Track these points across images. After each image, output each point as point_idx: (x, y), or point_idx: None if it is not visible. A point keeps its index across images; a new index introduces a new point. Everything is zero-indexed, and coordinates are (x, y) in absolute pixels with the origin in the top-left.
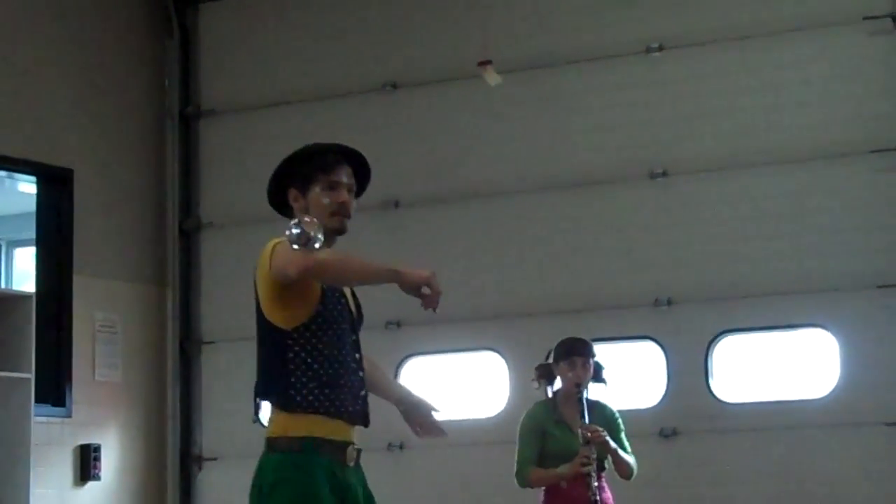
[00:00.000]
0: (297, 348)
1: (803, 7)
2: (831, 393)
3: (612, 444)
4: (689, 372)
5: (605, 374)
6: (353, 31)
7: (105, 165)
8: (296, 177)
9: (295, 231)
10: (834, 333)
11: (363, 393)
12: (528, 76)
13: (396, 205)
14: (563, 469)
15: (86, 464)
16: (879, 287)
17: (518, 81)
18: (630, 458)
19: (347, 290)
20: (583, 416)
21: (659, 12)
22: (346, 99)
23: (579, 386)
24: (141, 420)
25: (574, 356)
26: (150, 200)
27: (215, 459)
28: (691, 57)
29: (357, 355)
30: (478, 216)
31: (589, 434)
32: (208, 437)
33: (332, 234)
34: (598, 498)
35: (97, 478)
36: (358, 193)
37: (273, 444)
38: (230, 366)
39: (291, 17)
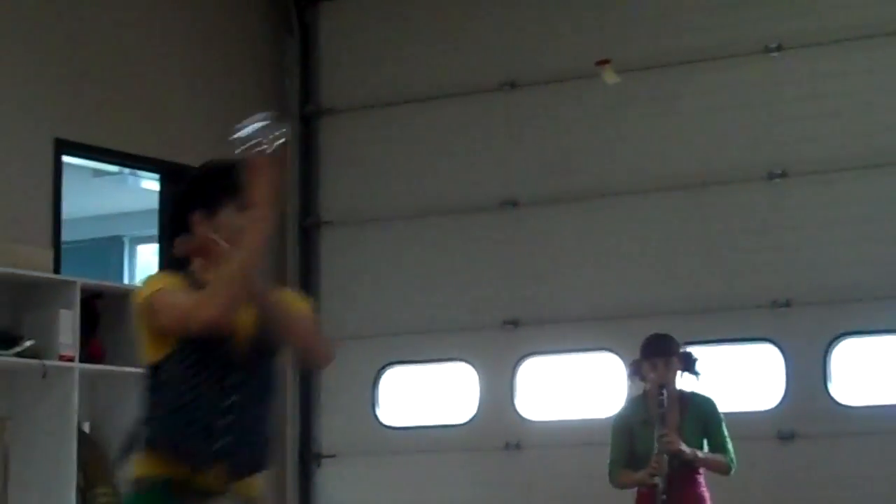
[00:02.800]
0: (159, 382)
1: None
2: None
3: (688, 451)
4: (807, 374)
5: (697, 367)
6: (472, 29)
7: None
8: (199, 202)
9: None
10: None
11: (228, 439)
12: (646, 76)
13: (514, 204)
14: (640, 475)
15: None
16: None
17: (636, 81)
18: (720, 456)
19: (244, 325)
20: (662, 422)
21: (778, 12)
22: (465, 98)
23: (662, 388)
24: None
25: (654, 357)
26: None
27: (334, 457)
28: (810, 57)
29: (232, 397)
30: (595, 216)
31: (661, 442)
32: (329, 436)
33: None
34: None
35: None
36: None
37: (130, 487)
38: (354, 364)
39: (410, 15)
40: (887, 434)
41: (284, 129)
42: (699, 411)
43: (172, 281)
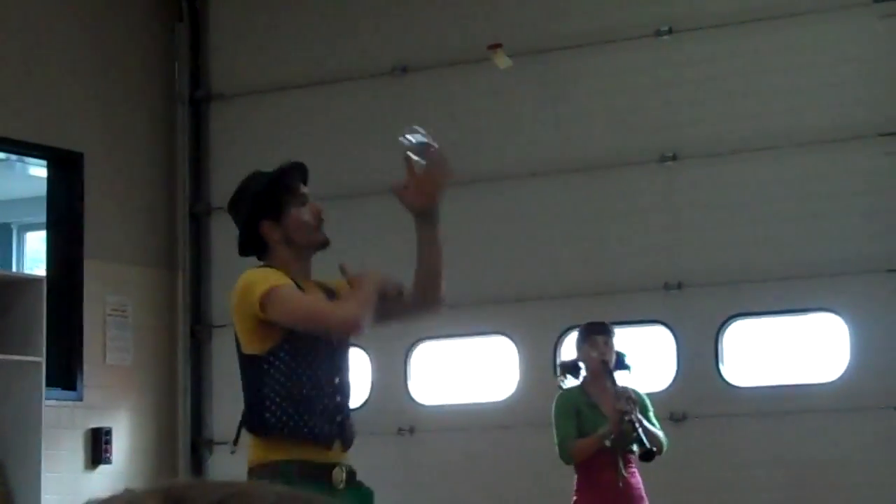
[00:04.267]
0: (271, 371)
1: None
2: (841, 377)
3: (640, 416)
4: (699, 356)
5: (627, 361)
6: (363, 14)
7: (115, 149)
8: (263, 209)
9: (416, 139)
10: (843, 317)
11: (339, 418)
12: (538, 59)
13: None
14: (603, 429)
15: (97, 447)
16: (889, 271)
17: (527, 65)
18: (659, 432)
19: None
20: (614, 383)
21: None
22: (356, 83)
23: (605, 362)
24: (152, 404)
25: (595, 335)
26: (160, 184)
27: (226, 443)
28: (700, 40)
29: (336, 379)
30: (487, 200)
31: (621, 397)
32: (219, 421)
33: (318, 249)
34: (625, 476)
35: (108, 461)
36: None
37: (252, 474)
38: None
39: (301, 0)
40: (777, 414)
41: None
42: None
43: (279, 275)
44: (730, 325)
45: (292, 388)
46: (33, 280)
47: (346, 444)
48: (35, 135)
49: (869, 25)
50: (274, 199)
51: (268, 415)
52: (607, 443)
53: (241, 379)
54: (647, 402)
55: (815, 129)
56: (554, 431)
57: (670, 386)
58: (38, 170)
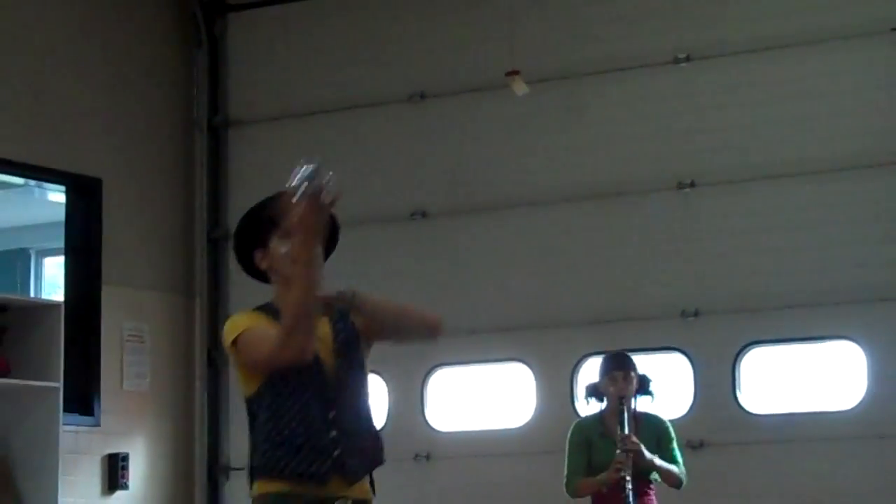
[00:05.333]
0: (259, 413)
1: (831, 18)
2: (858, 405)
3: (648, 454)
4: (716, 383)
5: (651, 387)
6: (382, 41)
7: (133, 175)
8: (254, 240)
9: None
10: (861, 345)
11: (337, 453)
12: (556, 86)
13: (424, 215)
14: (602, 476)
15: (114, 473)
16: None
17: (546, 91)
18: (674, 468)
19: (324, 340)
20: (622, 427)
21: (687, 23)
22: (374, 109)
23: (622, 399)
24: (169, 430)
25: (614, 371)
26: (178, 210)
27: (243, 469)
28: (719, 67)
29: (331, 414)
30: (504, 227)
31: (624, 443)
32: (236, 447)
33: None
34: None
35: (125, 487)
36: (331, 241)
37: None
38: None
39: (319, 27)
40: (795, 442)
41: (326, 175)
42: (652, 429)
43: (253, 318)
44: (747, 352)
45: (273, 429)
46: (51, 305)
47: (351, 477)
48: (54, 161)
49: (886, 53)
50: (256, 231)
51: (256, 459)
52: (604, 489)
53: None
54: (671, 430)
55: (832, 157)
56: (565, 463)
57: (687, 413)
58: (57, 195)
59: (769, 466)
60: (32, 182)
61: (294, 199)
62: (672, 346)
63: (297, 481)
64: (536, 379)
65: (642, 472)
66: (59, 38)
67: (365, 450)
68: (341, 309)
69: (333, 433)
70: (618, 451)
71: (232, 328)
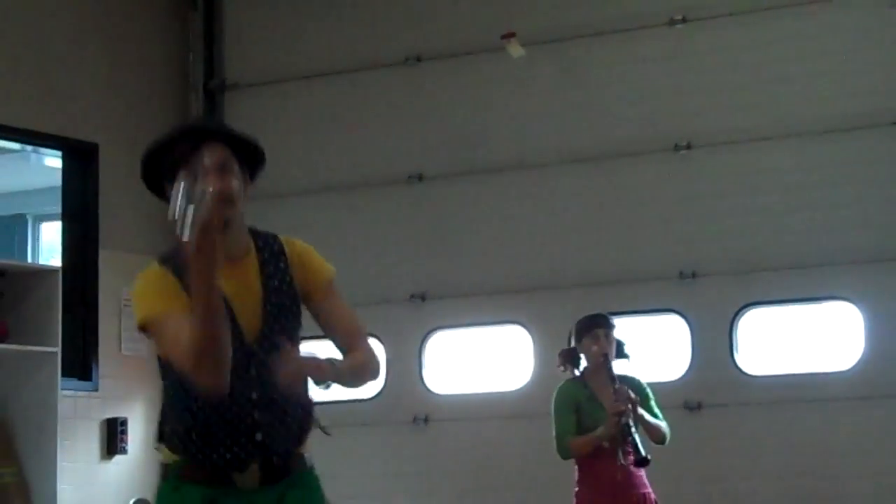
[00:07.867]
0: (168, 378)
1: None
2: (855, 365)
3: (640, 410)
4: (713, 345)
5: (626, 350)
6: (378, 4)
7: (130, 139)
8: (164, 172)
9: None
10: (858, 306)
11: (260, 436)
12: (552, 49)
13: (420, 178)
14: (601, 430)
15: (112, 437)
16: None
17: (541, 54)
18: (661, 423)
19: (247, 310)
20: (613, 381)
21: None
22: (370, 72)
23: (606, 356)
24: None
25: (595, 329)
26: None
27: None
28: (715, 29)
29: (254, 394)
30: (501, 190)
31: (621, 394)
32: None
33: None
34: (624, 463)
35: (124, 451)
36: (252, 172)
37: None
38: None
39: None
40: (791, 403)
41: (200, 193)
42: (631, 389)
43: (161, 290)
44: (744, 313)
45: (179, 401)
46: (48, 271)
47: (270, 468)
48: (50, 126)
49: (884, 13)
50: (168, 164)
51: (162, 421)
52: (605, 444)
53: None
54: (648, 391)
55: (829, 118)
56: (553, 425)
57: (685, 375)
58: (54, 160)
59: (766, 427)
60: (29, 147)
61: (180, 236)
62: (669, 307)
63: (207, 468)
64: (534, 341)
65: (623, 444)
66: (55, 4)
67: (287, 435)
68: (273, 246)
69: (256, 414)
70: (614, 401)
71: (141, 304)
